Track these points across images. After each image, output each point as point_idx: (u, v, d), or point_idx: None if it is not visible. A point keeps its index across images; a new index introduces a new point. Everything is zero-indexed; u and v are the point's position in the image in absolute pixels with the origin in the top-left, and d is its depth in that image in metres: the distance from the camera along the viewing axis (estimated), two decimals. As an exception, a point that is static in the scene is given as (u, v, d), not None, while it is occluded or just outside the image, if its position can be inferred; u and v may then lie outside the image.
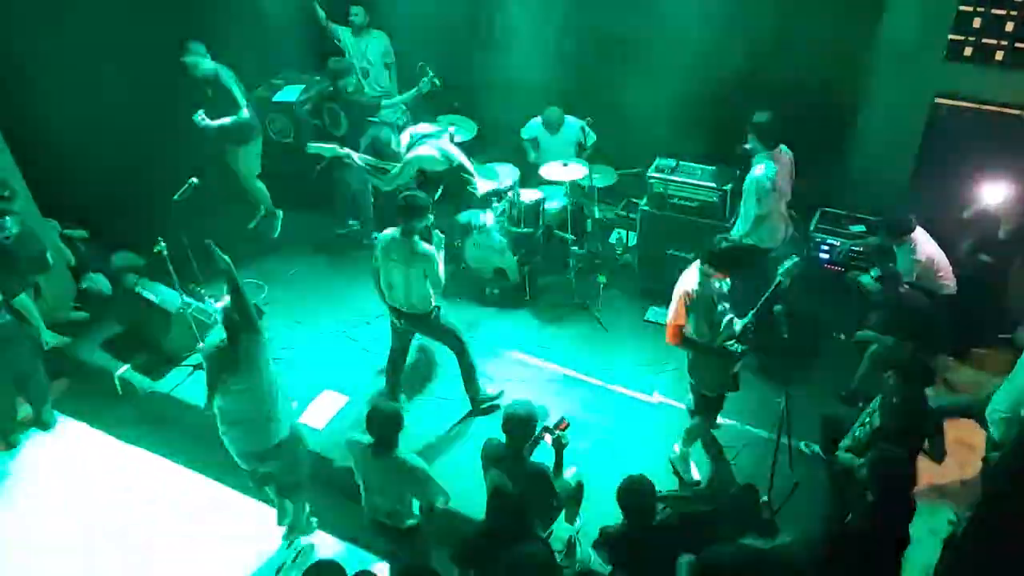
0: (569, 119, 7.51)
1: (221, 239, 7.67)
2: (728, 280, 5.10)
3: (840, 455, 4.97)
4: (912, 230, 5.93)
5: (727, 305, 5.09)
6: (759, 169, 6.07)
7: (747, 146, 6.20)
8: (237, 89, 7.35)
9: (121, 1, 7.07)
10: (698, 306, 4.98)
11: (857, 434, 4.93)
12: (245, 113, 7.41)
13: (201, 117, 7.17)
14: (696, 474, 5.70)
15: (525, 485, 4.55)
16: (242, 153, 7.73)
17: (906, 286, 5.85)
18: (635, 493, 4.27)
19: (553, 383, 6.52)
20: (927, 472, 5.05)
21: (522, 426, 4.61)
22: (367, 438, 4.57)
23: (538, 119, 7.64)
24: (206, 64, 7.20)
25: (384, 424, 4.49)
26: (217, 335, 4.70)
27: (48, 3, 6.84)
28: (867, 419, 4.89)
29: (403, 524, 4.73)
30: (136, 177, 7.14)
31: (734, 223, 6.48)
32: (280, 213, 8.21)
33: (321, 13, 8.08)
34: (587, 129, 7.19)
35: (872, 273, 6.12)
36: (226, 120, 7.32)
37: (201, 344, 6.67)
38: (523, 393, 6.27)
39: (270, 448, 4.89)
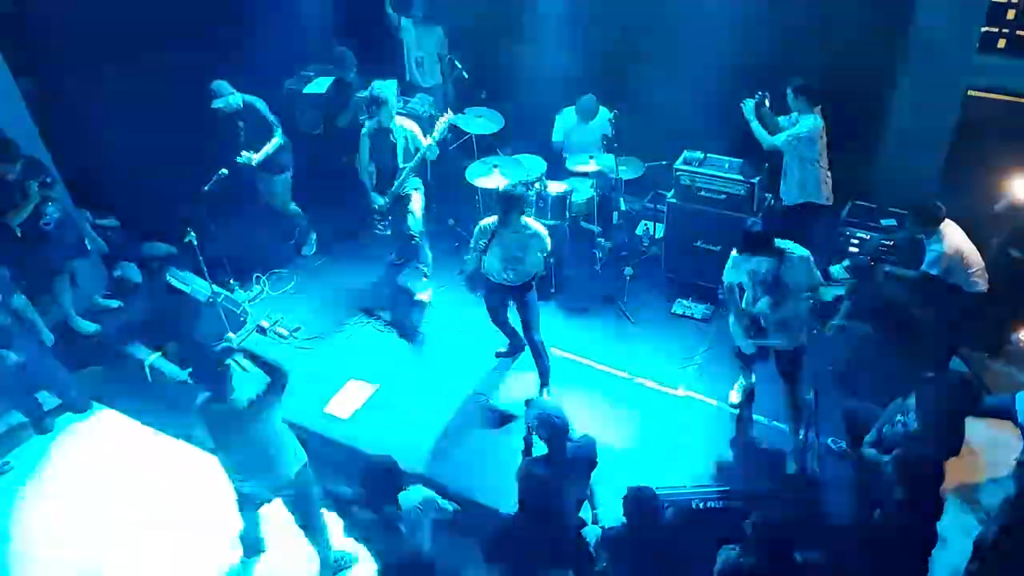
0: (601, 109, 7.48)
1: (248, 229, 7.91)
2: (769, 263, 5.21)
3: (864, 451, 4.95)
4: (941, 219, 5.84)
5: (760, 292, 5.31)
6: (806, 124, 6.36)
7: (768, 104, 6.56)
8: (269, 114, 7.21)
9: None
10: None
11: (885, 431, 4.89)
12: (281, 135, 7.29)
13: (247, 156, 7.05)
14: (734, 396, 6.16)
15: (569, 474, 4.60)
16: (277, 182, 7.58)
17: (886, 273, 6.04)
18: (637, 502, 4.31)
19: (578, 376, 6.52)
20: (958, 471, 5.01)
21: (561, 433, 4.59)
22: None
23: (571, 109, 7.59)
24: (235, 99, 7.03)
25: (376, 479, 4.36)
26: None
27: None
28: (900, 418, 4.84)
29: None
30: (166, 167, 7.20)
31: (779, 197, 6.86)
32: (314, 236, 8.10)
33: (388, 3, 8.19)
34: (612, 123, 7.17)
35: (844, 263, 6.21)
36: (268, 148, 7.19)
37: (231, 335, 6.78)
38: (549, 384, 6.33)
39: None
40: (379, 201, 7.01)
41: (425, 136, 6.85)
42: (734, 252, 5.51)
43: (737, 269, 5.50)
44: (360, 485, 4.34)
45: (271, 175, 7.49)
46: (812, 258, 5.32)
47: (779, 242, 5.26)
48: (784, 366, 5.57)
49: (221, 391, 4.53)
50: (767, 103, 6.59)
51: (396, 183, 6.88)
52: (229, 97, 7.00)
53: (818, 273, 5.42)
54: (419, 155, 6.84)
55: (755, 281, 5.37)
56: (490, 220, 5.86)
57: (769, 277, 5.22)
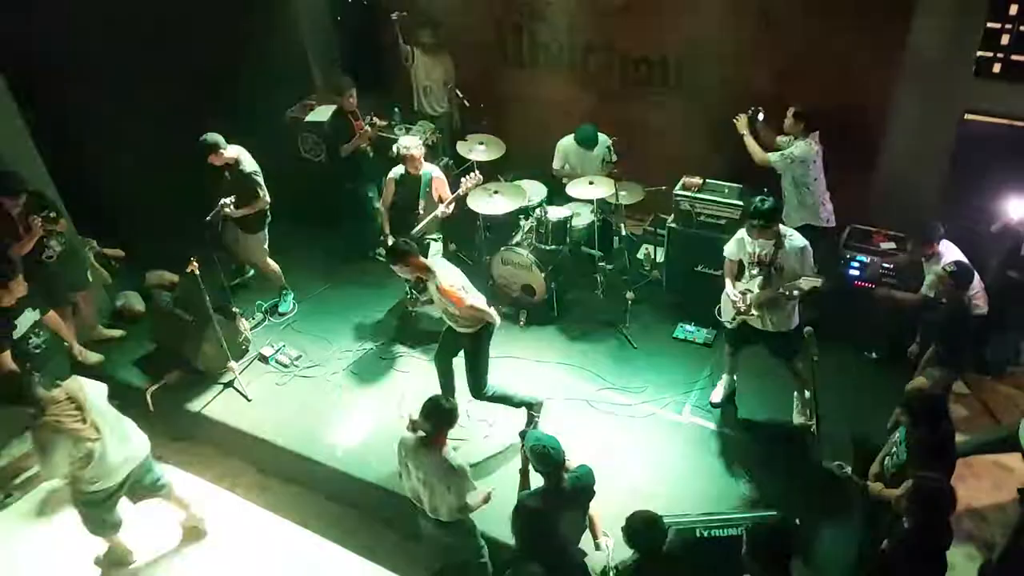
0: (600, 136, 7.53)
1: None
2: (768, 247, 5.54)
3: (870, 485, 4.91)
4: (940, 239, 5.85)
5: (756, 272, 5.66)
6: (800, 147, 6.49)
7: (761, 117, 6.73)
8: (259, 173, 6.94)
9: (160, 23, 7.20)
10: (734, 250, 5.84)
11: (886, 464, 4.87)
12: (267, 198, 7.02)
13: (228, 204, 6.66)
14: (716, 396, 6.42)
15: (568, 505, 4.58)
16: (253, 241, 7.28)
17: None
18: (642, 530, 4.17)
19: (581, 401, 6.51)
20: (963, 496, 4.99)
21: (557, 465, 4.52)
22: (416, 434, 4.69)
23: (570, 137, 7.64)
24: (229, 152, 6.78)
25: (437, 415, 4.59)
26: None
27: (87, 22, 6.95)
28: (894, 450, 4.82)
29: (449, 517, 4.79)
30: (170, 198, 7.24)
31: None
32: (291, 294, 7.79)
33: (399, 32, 8.20)
34: (611, 148, 7.22)
35: None
36: (247, 210, 6.88)
37: (233, 363, 6.78)
38: (551, 410, 6.30)
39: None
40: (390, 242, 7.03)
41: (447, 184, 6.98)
42: (741, 230, 5.78)
43: (740, 246, 5.77)
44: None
45: (247, 234, 7.23)
46: (810, 249, 5.55)
47: (783, 228, 5.59)
48: (777, 348, 5.92)
49: None
50: (760, 116, 6.70)
51: (415, 231, 6.82)
52: (223, 149, 6.72)
53: (812, 264, 5.58)
54: (432, 215, 6.82)
55: (753, 261, 5.66)
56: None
57: (767, 259, 5.56)
